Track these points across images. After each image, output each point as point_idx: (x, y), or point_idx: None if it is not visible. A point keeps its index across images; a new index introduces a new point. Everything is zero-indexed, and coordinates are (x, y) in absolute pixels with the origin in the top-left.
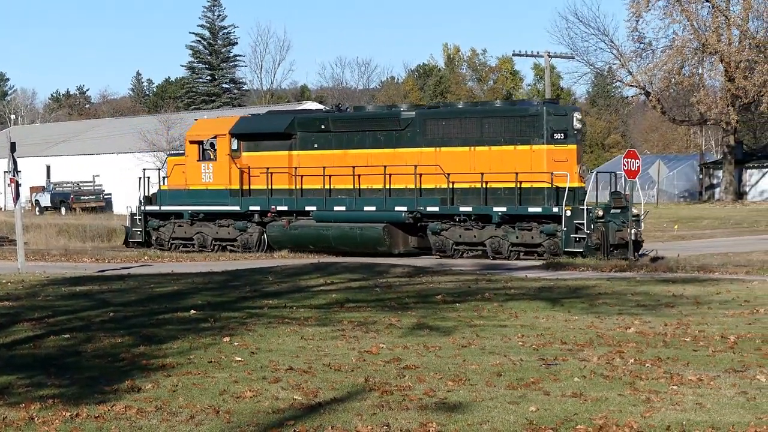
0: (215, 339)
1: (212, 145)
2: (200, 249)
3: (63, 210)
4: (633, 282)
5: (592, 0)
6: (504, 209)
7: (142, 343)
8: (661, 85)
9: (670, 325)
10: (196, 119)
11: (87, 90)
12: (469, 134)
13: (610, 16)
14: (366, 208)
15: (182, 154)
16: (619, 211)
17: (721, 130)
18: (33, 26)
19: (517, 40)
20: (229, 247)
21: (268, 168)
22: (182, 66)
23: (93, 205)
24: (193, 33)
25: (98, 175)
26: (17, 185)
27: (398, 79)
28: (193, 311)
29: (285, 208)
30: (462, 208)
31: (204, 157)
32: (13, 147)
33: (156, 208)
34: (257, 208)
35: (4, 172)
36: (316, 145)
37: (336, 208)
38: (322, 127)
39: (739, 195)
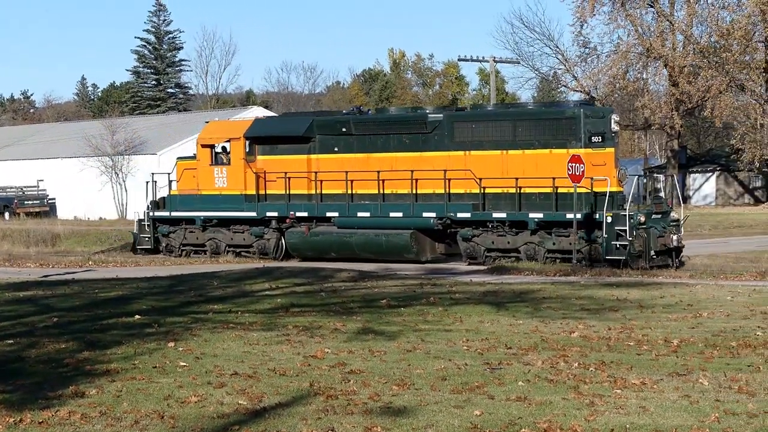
0: (160, 344)
1: (225, 149)
2: (213, 256)
3: (6, 215)
4: (577, 286)
5: (537, 5)
6: (540, 215)
7: (87, 348)
8: (605, 90)
9: (614, 329)
10: (207, 122)
11: (31, 95)
12: (501, 137)
13: (555, 21)
14: (392, 214)
15: (192, 158)
16: (660, 216)
17: (666, 135)
18: None
19: (462, 45)
20: (243, 253)
21: (286, 173)
22: (127, 71)
23: (37, 210)
24: (139, 38)
25: (42, 180)
26: None
27: (344, 84)
28: (137, 316)
29: (304, 214)
30: (495, 214)
31: (217, 161)
32: None
33: (166, 213)
34: (275, 214)
35: None
36: (336, 149)
37: (360, 214)
38: (344, 130)
39: (683, 199)
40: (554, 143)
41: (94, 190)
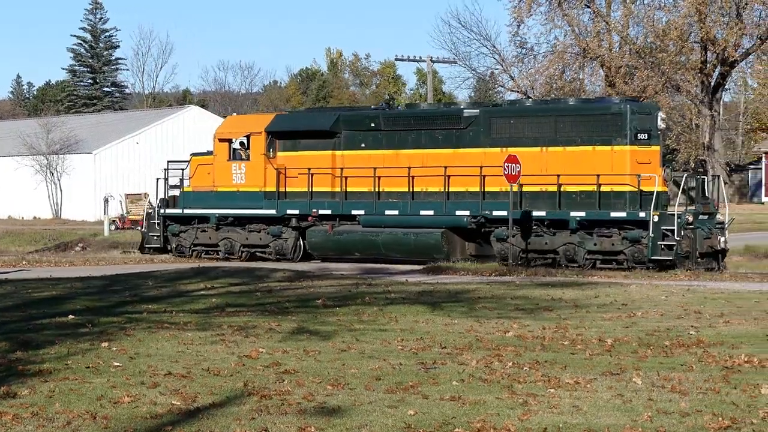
0: (93, 344)
1: (243, 144)
2: (227, 257)
3: None
4: (513, 286)
5: (475, 5)
6: (582, 214)
7: (19, 348)
8: (542, 90)
9: (548, 328)
10: (225, 116)
11: None
12: (540, 134)
13: (493, 21)
14: (422, 213)
15: (207, 153)
16: (706, 217)
17: None
18: None
19: (400, 45)
20: (259, 254)
21: (309, 169)
22: (63, 69)
23: None
24: (75, 36)
25: None
26: None
27: (281, 83)
28: (71, 316)
29: (328, 212)
30: (535, 213)
31: (235, 156)
32: None
33: (178, 211)
34: (296, 211)
35: None
36: (363, 145)
37: (388, 212)
38: (372, 125)
39: None
40: (598, 140)
41: (29, 189)
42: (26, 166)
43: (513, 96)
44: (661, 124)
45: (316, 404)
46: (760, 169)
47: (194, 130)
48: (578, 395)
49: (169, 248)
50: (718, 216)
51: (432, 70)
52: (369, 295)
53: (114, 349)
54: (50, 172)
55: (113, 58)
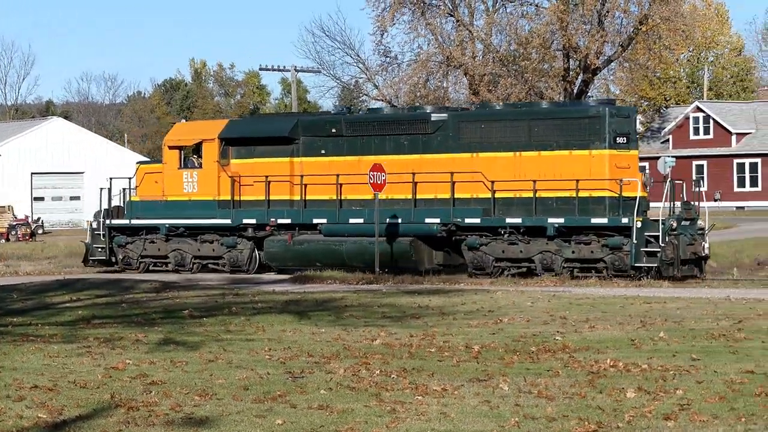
0: None
1: (196, 152)
2: (177, 269)
3: None
4: (379, 294)
5: (339, 15)
6: (561, 220)
7: None
8: (406, 99)
9: (415, 336)
10: (172, 123)
11: None
12: (514, 138)
13: (357, 30)
14: (390, 221)
15: (154, 162)
16: (688, 222)
17: None
18: None
19: (264, 55)
20: (211, 266)
21: (267, 177)
22: None
23: None
24: None
25: None
26: None
27: (145, 93)
28: None
29: (287, 221)
30: (509, 220)
31: (186, 164)
32: None
33: (125, 221)
34: (252, 221)
35: None
36: (323, 151)
37: (352, 221)
38: (333, 130)
39: None
40: (575, 144)
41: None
42: None
43: (378, 105)
44: (639, 127)
45: (184, 415)
46: None
47: (58, 141)
48: (446, 402)
49: (114, 260)
50: (698, 222)
51: (296, 79)
52: (236, 305)
53: None
54: None
55: None
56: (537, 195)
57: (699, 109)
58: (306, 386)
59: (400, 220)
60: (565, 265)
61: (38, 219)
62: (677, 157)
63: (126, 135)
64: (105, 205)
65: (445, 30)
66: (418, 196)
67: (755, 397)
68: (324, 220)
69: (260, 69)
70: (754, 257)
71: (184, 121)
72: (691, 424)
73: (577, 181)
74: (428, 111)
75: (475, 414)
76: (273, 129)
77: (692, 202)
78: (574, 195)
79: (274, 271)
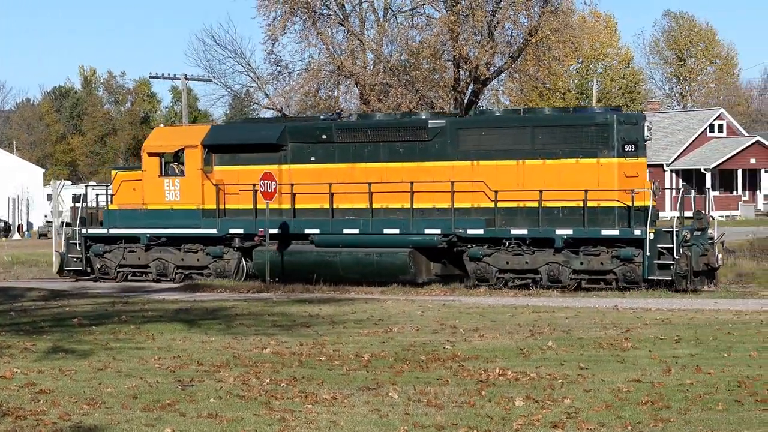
0: None
1: (177, 158)
2: (158, 279)
3: None
4: (270, 303)
5: (230, 23)
6: (569, 232)
7: None
8: (297, 108)
9: (306, 344)
10: (152, 127)
11: None
12: (517, 146)
13: (248, 39)
14: (386, 231)
15: (131, 168)
16: (699, 233)
17: None
18: None
19: (155, 63)
20: (195, 276)
21: (254, 185)
22: None
23: None
24: None
25: None
26: None
27: (34, 100)
28: None
29: (277, 230)
30: (514, 231)
31: (167, 172)
32: None
33: (102, 230)
34: (239, 230)
35: None
36: (313, 158)
37: (346, 231)
38: (323, 137)
39: None
40: (581, 152)
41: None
42: None
43: (268, 114)
44: (648, 135)
45: (72, 424)
46: None
47: None
48: (335, 410)
49: (90, 270)
50: (709, 231)
51: (187, 87)
52: (126, 314)
53: None
54: None
55: None
56: (542, 205)
57: None
58: (195, 395)
59: (398, 231)
60: (573, 277)
61: None
62: None
63: (15, 142)
64: (80, 213)
65: (336, 40)
66: (416, 206)
67: (641, 405)
68: (317, 231)
69: (150, 77)
70: None
71: (162, 126)
72: None
73: (586, 191)
74: (424, 117)
75: (365, 422)
76: (261, 135)
77: (702, 211)
78: (582, 205)
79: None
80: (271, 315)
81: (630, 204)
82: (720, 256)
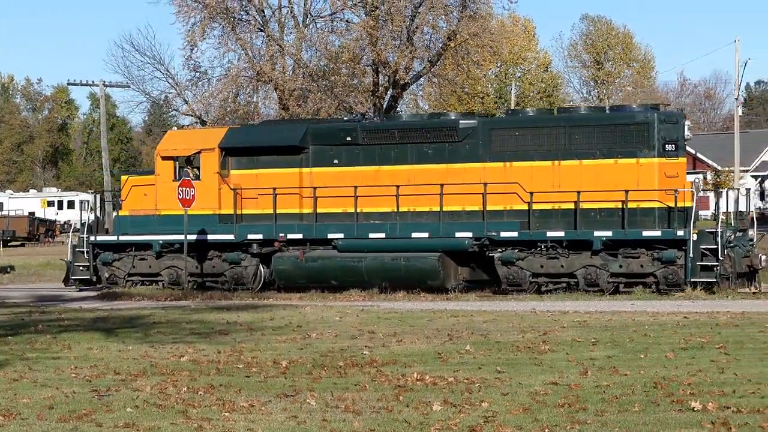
0: None
1: (191, 162)
2: (171, 287)
3: None
4: (188, 311)
5: (149, 29)
6: (609, 233)
7: None
8: (216, 114)
9: (223, 352)
10: (164, 131)
11: None
12: (552, 146)
13: (167, 45)
14: (415, 235)
15: (143, 173)
16: (741, 234)
17: None
18: None
19: (73, 69)
20: (209, 283)
21: (275, 189)
22: None
23: None
24: None
25: None
26: None
27: None
28: None
29: (298, 236)
30: (550, 234)
31: (182, 176)
32: None
33: (112, 238)
34: (259, 236)
35: None
36: (336, 161)
37: (372, 235)
38: (348, 139)
39: None
40: (620, 152)
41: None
42: None
43: (188, 120)
44: (688, 134)
45: None
46: None
47: None
48: (253, 418)
49: (97, 279)
50: (749, 232)
51: (105, 94)
52: (42, 323)
53: None
54: None
55: None
56: (580, 207)
57: None
58: (112, 404)
59: (427, 235)
60: (611, 280)
61: None
62: None
63: None
64: (87, 221)
65: (255, 45)
66: (445, 208)
67: (558, 408)
68: (341, 235)
69: (68, 84)
70: None
71: (176, 129)
72: None
73: (627, 191)
74: (454, 118)
75: (282, 429)
76: (282, 138)
77: (744, 212)
78: (620, 206)
79: (276, 289)
80: (189, 323)
81: (672, 205)
82: (764, 257)
